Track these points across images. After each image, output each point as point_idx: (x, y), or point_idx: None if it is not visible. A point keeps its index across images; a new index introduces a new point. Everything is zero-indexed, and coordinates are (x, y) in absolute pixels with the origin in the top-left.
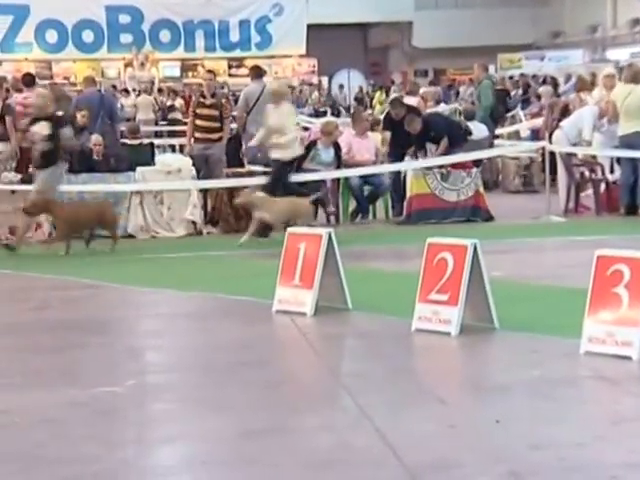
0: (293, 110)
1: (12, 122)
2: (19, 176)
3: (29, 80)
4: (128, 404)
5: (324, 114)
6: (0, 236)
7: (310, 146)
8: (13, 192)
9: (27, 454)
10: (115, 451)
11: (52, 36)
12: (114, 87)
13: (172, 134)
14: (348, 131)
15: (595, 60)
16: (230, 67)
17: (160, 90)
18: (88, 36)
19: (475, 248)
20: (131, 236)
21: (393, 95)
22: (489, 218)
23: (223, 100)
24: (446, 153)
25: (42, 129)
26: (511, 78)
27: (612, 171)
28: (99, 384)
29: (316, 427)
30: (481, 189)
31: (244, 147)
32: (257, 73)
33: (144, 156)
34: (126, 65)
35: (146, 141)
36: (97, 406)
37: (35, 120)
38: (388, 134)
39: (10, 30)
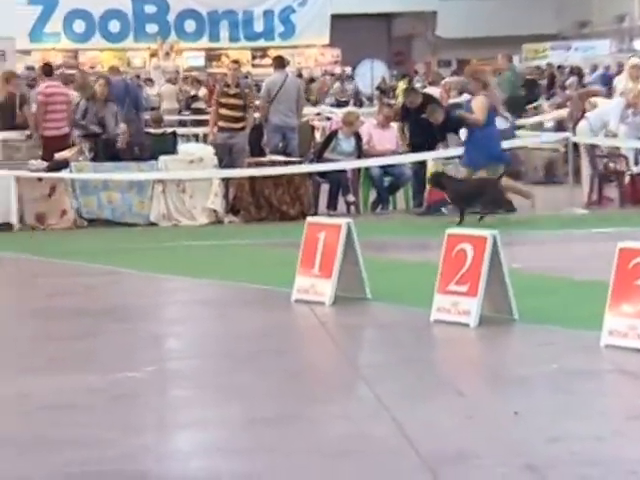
0: None
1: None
2: (45, 164)
3: (48, 70)
4: (148, 390)
5: (346, 104)
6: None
7: (331, 136)
8: (40, 179)
9: (47, 438)
10: (134, 436)
11: (80, 26)
12: (138, 77)
13: (196, 123)
14: (369, 121)
15: (622, 50)
16: (254, 57)
17: (184, 79)
18: (115, 26)
19: (495, 239)
20: (153, 224)
21: (415, 85)
22: (511, 209)
23: (246, 90)
24: None
25: None
26: (538, 68)
27: (637, 163)
28: (119, 370)
29: (334, 416)
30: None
31: (266, 137)
32: (280, 63)
33: (167, 145)
34: (151, 55)
35: (169, 130)
36: (117, 391)
37: None
38: (401, 125)
39: (39, 20)
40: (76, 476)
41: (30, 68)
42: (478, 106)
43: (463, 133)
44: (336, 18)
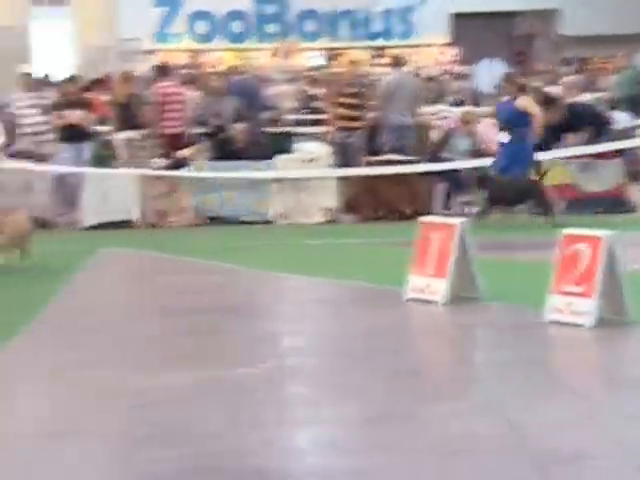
0: None
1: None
2: (166, 162)
3: (164, 70)
4: (265, 386)
5: (463, 103)
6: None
7: (447, 135)
8: (160, 178)
9: (172, 430)
10: (250, 431)
11: (203, 27)
12: (258, 77)
13: (314, 122)
14: (486, 121)
15: None
16: (372, 56)
17: (304, 79)
18: (237, 27)
19: (612, 240)
20: (270, 222)
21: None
22: (631, 210)
23: (363, 89)
24: (588, 143)
25: None
26: None
27: None
28: (238, 366)
29: (446, 415)
30: (623, 180)
31: (382, 136)
32: (397, 62)
33: (284, 144)
34: (272, 55)
35: (286, 129)
36: (235, 387)
37: None
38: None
39: (164, 21)
40: (190, 470)
41: (128, 72)
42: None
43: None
44: (457, 17)
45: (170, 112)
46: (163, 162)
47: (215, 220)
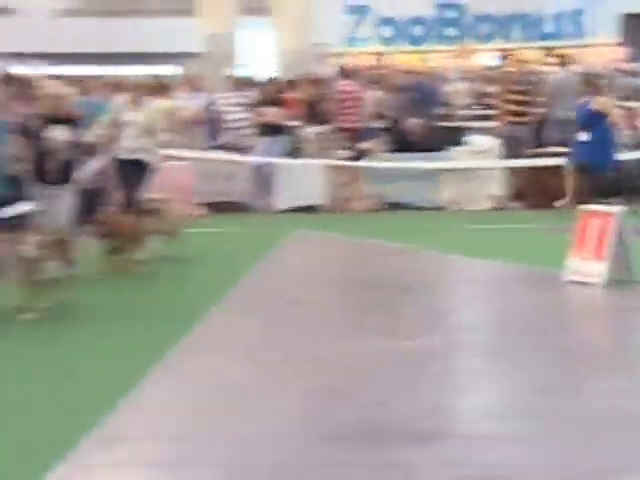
0: None
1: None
2: (349, 153)
3: (345, 72)
4: (436, 357)
5: (627, 99)
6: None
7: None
8: (345, 168)
9: (352, 394)
10: (426, 397)
11: (388, 31)
12: (435, 76)
13: (485, 117)
14: None
15: None
16: (543, 56)
17: (477, 77)
18: (418, 31)
19: None
20: (442, 208)
21: None
22: None
23: (529, 87)
24: None
25: None
26: None
27: None
28: (410, 337)
29: (603, 391)
30: None
31: (547, 130)
32: (564, 62)
33: (456, 137)
34: (450, 56)
35: (459, 124)
36: (410, 356)
37: None
38: None
39: (354, 27)
40: (365, 429)
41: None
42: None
43: None
44: (628, 17)
45: (349, 108)
46: (347, 153)
47: (392, 206)
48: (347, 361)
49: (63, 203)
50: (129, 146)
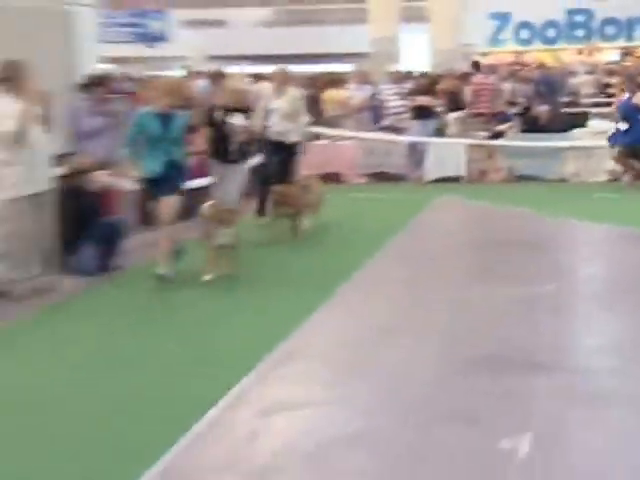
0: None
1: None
2: (486, 134)
3: (478, 66)
4: (553, 301)
5: None
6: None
7: None
8: (482, 146)
9: (481, 330)
10: (541, 335)
11: (525, 33)
12: (563, 69)
13: (606, 104)
14: None
15: None
16: None
17: (601, 71)
18: (551, 33)
19: None
20: (565, 180)
21: None
22: None
23: None
24: None
25: None
26: None
27: None
28: (532, 285)
29: None
30: None
31: None
32: None
33: (580, 121)
34: (578, 53)
35: (583, 110)
36: (534, 301)
37: None
38: None
39: (496, 30)
40: (494, 361)
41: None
42: None
43: None
44: None
45: (483, 97)
46: (485, 134)
47: (522, 178)
48: (478, 303)
49: (239, 178)
50: (276, 130)
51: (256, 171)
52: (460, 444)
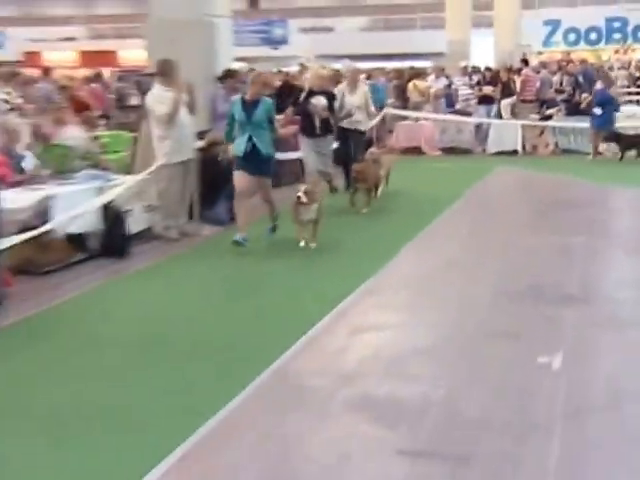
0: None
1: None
2: (538, 116)
3: (526, 62)
4: (586, 248)
5: None
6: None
7: None
8: (534, 126)
9: (526, 267)
10: (574, 271)
11: (572, 36)
12: (603, 66)
13: (637, 93)
14: None
15: None
16: None
17: (635, 67)
18: (593, 36)
19: None
20: (600, 153)
21: None
22: None
23: None
24: None
25: None
26: None
27: None
28: (568, 235)
29: None
30: None
31: None
32: None
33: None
34: (614, 52)
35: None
36: (568, 247)
37: None
38: None
39: (548, 34)
40: (530, 292)
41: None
42: None
43: None
44: None
45: (528, 87)
46: (536, 116)
47: (566, 152)
48: (525, 248)
49: (327, 148)
50: (351, 120)
51: (335, 153)
52: (506, 356)
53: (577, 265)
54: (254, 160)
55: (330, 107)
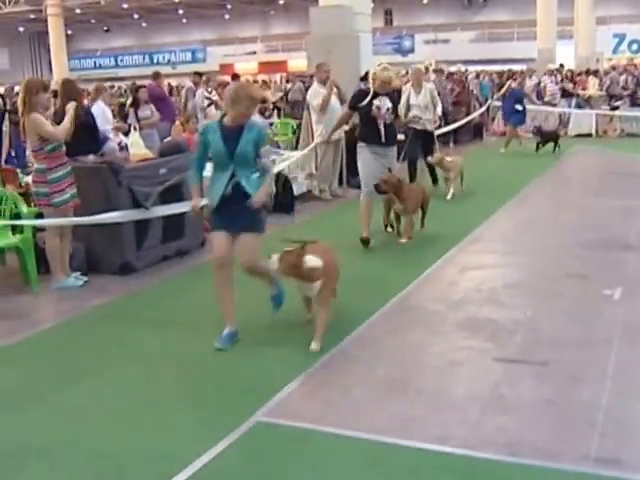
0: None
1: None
2: (609, 106)
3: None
4: (618, 214)
5: None
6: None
7: None
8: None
9: (595, 223)
10: (633, 226)
11: (634, 46)
12: None
13: None
14: None
15: None
16: None
17: None
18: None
19: None
20: None
21: None
22: None
23: None
24: None
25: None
26: None
27: None
28: (630, 199)
29: None
30: None
31: None
32: None
33: None
34: None
35: None
36: (629, 209)
37: None
38: None
39: (617, 44)
40: (601, 245)
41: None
42: None
43: None
44: None
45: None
46: (607, 107)
47: (630, 135)
48: (594, 208)
49: (389, 164)
50: (417, 120)
51: (405, 151)
52: (578, 290)
53: (636, 222)
54: (236, 209)
55: (394, 110)
